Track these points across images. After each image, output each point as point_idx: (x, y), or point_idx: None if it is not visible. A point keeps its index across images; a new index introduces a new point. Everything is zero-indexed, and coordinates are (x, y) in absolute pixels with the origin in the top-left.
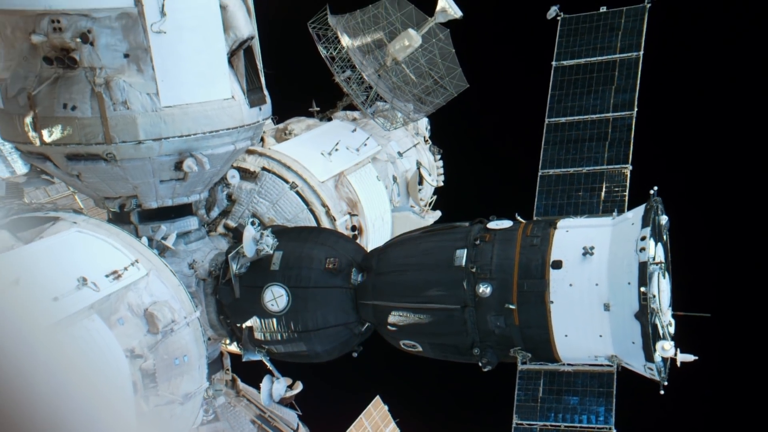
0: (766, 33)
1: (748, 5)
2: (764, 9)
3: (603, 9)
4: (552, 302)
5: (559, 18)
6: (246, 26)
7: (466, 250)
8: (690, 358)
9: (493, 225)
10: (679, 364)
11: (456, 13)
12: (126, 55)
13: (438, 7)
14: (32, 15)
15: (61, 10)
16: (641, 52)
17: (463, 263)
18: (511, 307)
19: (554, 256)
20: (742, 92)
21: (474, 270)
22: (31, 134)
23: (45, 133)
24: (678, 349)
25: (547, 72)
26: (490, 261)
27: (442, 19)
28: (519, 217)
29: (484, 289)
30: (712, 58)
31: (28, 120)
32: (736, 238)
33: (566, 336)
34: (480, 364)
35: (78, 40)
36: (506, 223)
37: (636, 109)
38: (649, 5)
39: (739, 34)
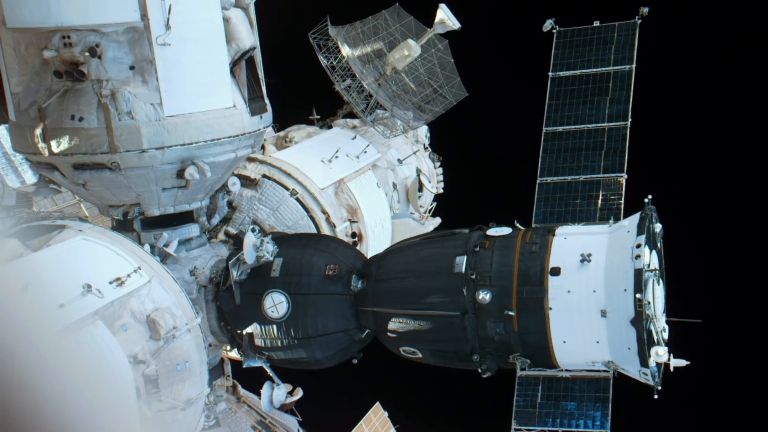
0: (751, 43)
1: (733, 20)
2: (749, 20)
3: (596, 23)
4: (551, 309)
5: (554, 31)
6: (248, 37)
7: (465, 257)
8: (682, 363)
9: (493, 232)
10: (672, 368)
11: (454, 24)
12: (132, 67)
13: (437, 19)
14: (45, 32)
15: (72, 26)
16: (634, 65)
17: (463, 270)
18: (510, 313)
19: (553, 262)
20: (731, 102)
21: (474, 277)
22: (41, 145)
23: (53, 143)
24: (671, 355)
25: (543, 82)
26: (489, 268)
27: (440, 30)
28: (518, 224)
29: (484, 296)
30: (701, 69)
31: (38, 131)
32: (726, 245)
33: (564, 342)
34: (479, 371)
35: (87, 54)
36: (505, 230)
37: (630, 120)
38: (639, 21)
39: (726, 48)
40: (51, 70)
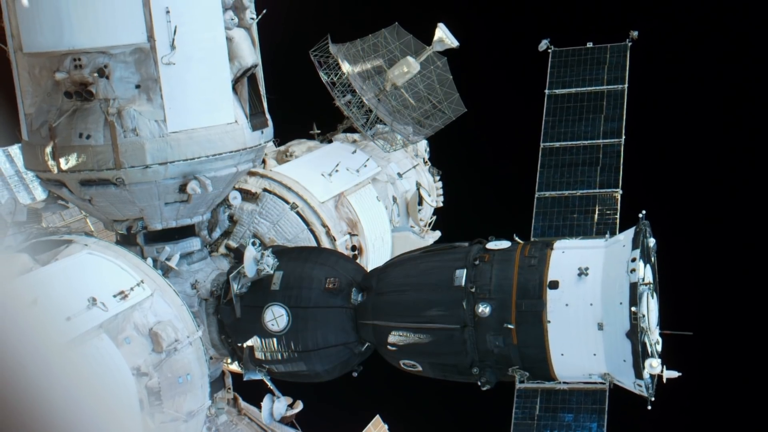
0: (736, 61)
1: (718, 39)
2: (733, 39)
3: (589, 45)
4: (549, 322)
5: (549, 51)
6: (250, 55)
7: (465, 270)
8: (675, 374)
9: (492, 245)
10: (665, 380)
11: (452, 42)
12: (137, 86)
13: (435, 37)
14: (58, 55)
15: (83, 49)
16: (626, 85)
17: (463, 283)
18: (509, 326)
19: (551, 276)
20: (719, 120)
21: (473, 290)
22: (50, 163)
23: (62, 161)
24: (664, 366)
25: (540, 99)
26: (489, 281)
27: (439, 48)
28: (517, 238)
29: (484, 309)
30: (689, 89)
31: (48, 150)
32: (717, 259)
33: (562, 355)
34: (479, 384)
35: (95, 74)
36: (504, 244)
37: (624, 137)
38: (630, 44)
39: (711, 67)
40: (62, 91)
